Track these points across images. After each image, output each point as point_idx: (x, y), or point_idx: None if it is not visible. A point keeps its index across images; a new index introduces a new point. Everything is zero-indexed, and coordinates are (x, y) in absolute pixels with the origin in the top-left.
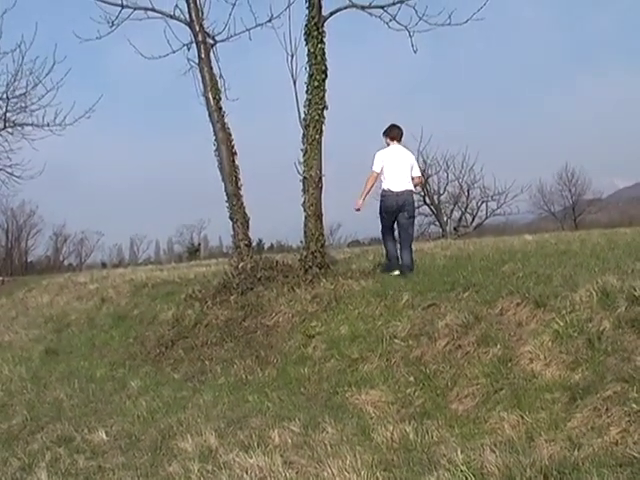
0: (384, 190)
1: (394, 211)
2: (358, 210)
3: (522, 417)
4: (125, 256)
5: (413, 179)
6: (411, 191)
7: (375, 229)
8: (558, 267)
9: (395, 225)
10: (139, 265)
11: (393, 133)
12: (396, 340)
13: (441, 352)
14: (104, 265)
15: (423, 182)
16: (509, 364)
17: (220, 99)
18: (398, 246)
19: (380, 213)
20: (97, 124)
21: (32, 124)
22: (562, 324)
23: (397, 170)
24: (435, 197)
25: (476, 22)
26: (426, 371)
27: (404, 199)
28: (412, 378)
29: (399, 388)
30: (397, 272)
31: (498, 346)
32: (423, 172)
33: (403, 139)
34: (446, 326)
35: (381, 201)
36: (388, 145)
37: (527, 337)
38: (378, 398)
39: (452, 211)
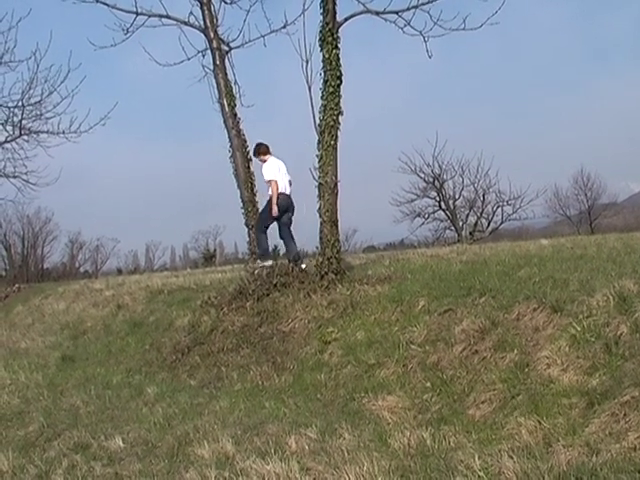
0: (279, 193)
1: (284, 211)
2: (276, 216)
3: (539, 423)
4: (141, 263)
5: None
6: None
7: (391, 234)
8: (575, 272)
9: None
10: (155, 271)
11: (263, 149)
12: (412, 346)
13: (458, 357)
14: (120, 272)
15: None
16: (526, 369)
17: (235, 105)
18: (281, 242)
19: (270, 213)
20: (112, 131)
21: (47, 132)
22: (579, 329)
23: (283, 176)
24: (450, 202)
25: (490, 26)
26: (443, 377)
27: (292, 201)
28: (429, 384)
29: (416, 394)
30: (270, 262)
31: (515, 351)
32: (438, 176)
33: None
34: (463, 331)
35: (276, 204)
36: (265, 161)
37: (544, 342)
38: (395, 404)
39: (467, 216)
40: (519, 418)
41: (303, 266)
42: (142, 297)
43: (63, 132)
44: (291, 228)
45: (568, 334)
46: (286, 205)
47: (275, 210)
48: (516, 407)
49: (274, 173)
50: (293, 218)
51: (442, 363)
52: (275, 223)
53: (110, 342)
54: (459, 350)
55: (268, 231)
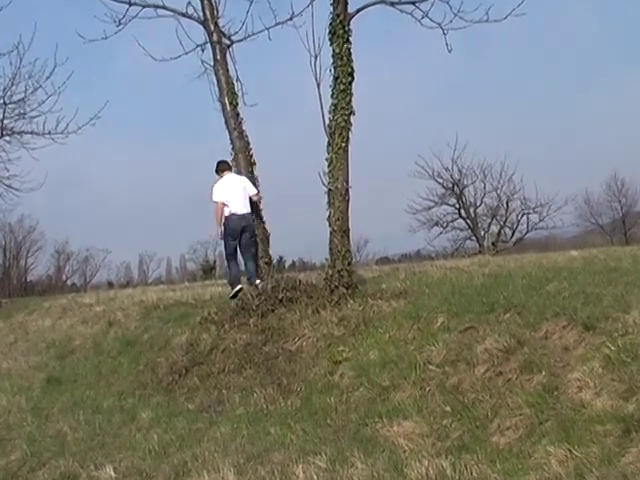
0: (230, 214)
1: (239, 232)
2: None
3: (570, 451)
4: (134, 275)
5: (251, 198)
6: (250, 213)
7: (406, 245)
8: (608, 286)
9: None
10: (149, 285)
11: (223, 167)
12: (431, 366)
13: (480, 379)
14: (111, 285)
15: (261, 197)
16: (555, 393)
17: (237, 104)
18: (242, 264)
19: (225, 236)
20: (102, 132)
21: (31, 132)
22: (614, 348)
23: (236, 195)
24: (471, 210)
25: (515, 18)
26: (464, 400)
27: (246, 221)
28: (449, 408)
29: (434, 419)
30: (239, 287)
31: (543, 373)
32: (458, 182)
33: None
34: (485, 351)
35: (226, 225)
36: (222, 178)
37: (575, 363)
38: (412, 430)
39: (490, 225)
40: (548, 446)
41: (257, 281)
42: (135, 313)
43: (49, 133)
44: (252, 249)
45: (601, 354)
46: (238, 226)
47: (219, 232)
48: (545, 434)
49: (220, 194)
50: (247, 239)
51: (463, 385)
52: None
53: (100, 362)
54: (481, 371)
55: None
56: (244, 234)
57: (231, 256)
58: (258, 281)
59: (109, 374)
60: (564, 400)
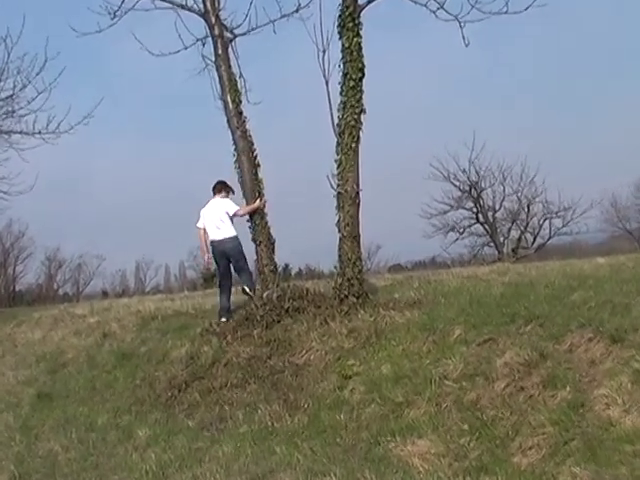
0: (210, 240)
1: (221, 258)
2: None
3: (598, 473)
4: (130, 284)
5: (240, 216)
6: (231, 237)
7: (421, 252)
8: (637, 295)
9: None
10: (146, 294)
11: (215, 188)
12: (447, 381)
13: (500, 395)
14: (106, 294)
15: (266, 200)
16: (581, 410)
17: (240, 102)
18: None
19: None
20: (97, 132)
21: (21, 132)
22: None
23: (213, 221)
24: (489, 214)
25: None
26: (483, 418)
27: (224, 246)
28: (466, 426)
29: (451, 438)
30: (224, 319)
31: (567, 388)
32: (475, 184)
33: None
34: (505, 365)
35: (211, 251)
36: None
37: (602, 378)
38: (427, 449)
39: (510, 230)
40: (573, 467)
41: (223, 319)
42: (132, 324)
43: (39, 132)
44: (244, 276)
45: (631, 369)
46: (217, 252)
47: (205, 259)
48: (570, 454)
49: (201, 220)
50: (235, 263)
51: (482, 402)
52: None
53: (94, 377)
54: (501, 387)
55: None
56: (231, 259)
57: (221, 287)
58: (247, 289)
59: (103, 389)
60: (590, 418)
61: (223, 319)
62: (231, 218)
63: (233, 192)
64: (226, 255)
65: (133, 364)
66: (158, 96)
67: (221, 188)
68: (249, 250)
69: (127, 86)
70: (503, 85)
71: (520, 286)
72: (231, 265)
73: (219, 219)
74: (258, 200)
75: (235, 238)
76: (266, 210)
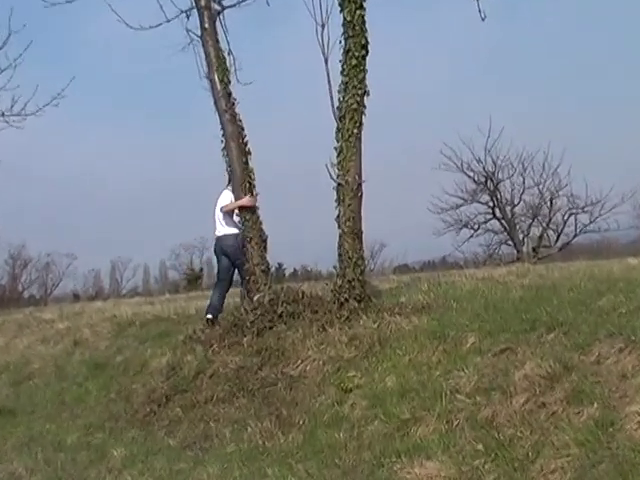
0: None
1: (220, 254)
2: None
3: None
4: (104, 285)
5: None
6: (230, 235)
7: (430, 250)
8: None
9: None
10: (123, 297)
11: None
12: (459, 396)
13: (519, 412)
14: (77, 297)
15: (231, 207)
16: (610, 429)
17: (229, 82)
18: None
19: None
20: (69, 115)
21: None
22: None
23: (215, 215)
24: (507, 209)
25: None
26: (499, 437)
27: (222, 243)
28: (481, 446)
29: (464, 459)
30: (210, 316)
31: (595, 405)
32: (492, 175)
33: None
34: (525, 378)
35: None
36: None
37: (634, 393)
38: (436, 472)
39: (530, 227)
40: None
41: (208, 316)
42: (106, 330)
43: (2, 114)
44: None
45: None
46: (217, 249)
47: None
48: (598, 479)
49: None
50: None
51: (498, 419)
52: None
53: (64, 389)
54: (520, 402)
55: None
56: (230, 257)
57: (216, 283)
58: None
59: (74, 404)
60: (621, 438)
61: (209, 315)
62: (229, 213)
63: None
64: (225, 253)
65: (107, 375)
66: (135, 75)
67: (230, 178)
68: None
69: (102, 64)
70: (522, 65)
71: (542, 289)
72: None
73: (218, 214)
74: (248, 196)
75: (234, 236)
76: (257, 204)
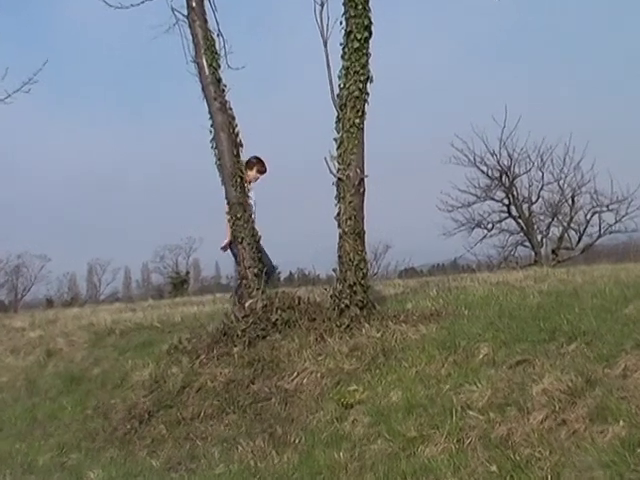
0: None
1: None
2: None
3: None
4: (81, 290)
5: None
6: None
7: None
8: None
9: None
10: (101, 303)
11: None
12: (471, 412)
13: (537, 430)
14: (50, 303)
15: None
16: (638, 449)
17: (218, 67)
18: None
19: None
20: (43, 102)
21: None
22: None
23: None
24: (524, 207)
25: None
26: (515, 458)
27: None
28: (495, 467)
29: None
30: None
31: (621, 423)
32: (508, 170)
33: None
34: (543, 392)
35: None
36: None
37: None
38: None
39: (549, 226)
40: None
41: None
42: (83, 340)
43: None
44: None
45: None
46: None
47: None
48: None
49: None
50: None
51: (514, 438)
52: None
53: (35, 405)
54: (538, 419)
55: None
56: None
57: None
58: None
59: (47, 421)
60: None
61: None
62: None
63: (261, 172)
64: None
65: (83, 390)
66: (115, 59)
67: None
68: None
69: (77, 46)
70: (541, 50)
71: (562, 295)
72: None
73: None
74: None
75: None
76: (250, 200)
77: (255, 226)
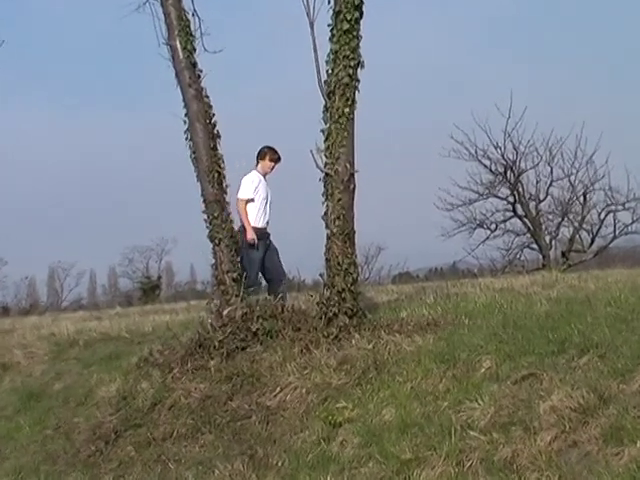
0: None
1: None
2: None
3: None
4: (41, 296)
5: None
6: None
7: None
8: None
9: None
10: (64, 311)
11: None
12: (472, 432)
13: (544, 452)
14: (6, 311)
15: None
16: None
17: (194, 50)
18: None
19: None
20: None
21: None
22: None
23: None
24: (532, 205)
25: None
26: None
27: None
28: None
29: None
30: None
31: (638, 444)
32: (513, 164)
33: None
34: (552, 410)
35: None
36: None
37: None
38: None
39: (559, 227)
40: None
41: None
42: (43, 352)
43: None
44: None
45: None
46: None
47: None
48: None
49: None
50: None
51: (519, 460)
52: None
53: None
54: (547, 440)
55: None
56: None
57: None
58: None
59: (2, 442)
60: None
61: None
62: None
63: (274, 160)
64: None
65: (43, 407)
66: (82, 41)
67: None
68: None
69: (36, 26)
70: (551, 32)
71: (573, 303)
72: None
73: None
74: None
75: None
76: (227, 199)
77: (267, 225)
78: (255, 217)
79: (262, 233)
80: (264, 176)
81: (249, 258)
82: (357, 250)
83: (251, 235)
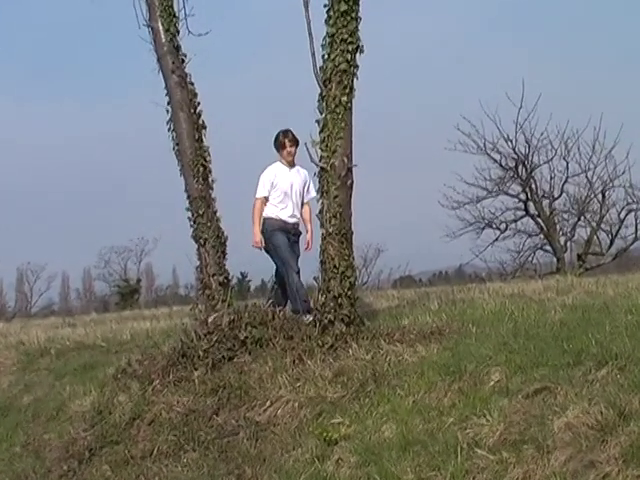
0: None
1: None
2: None
3: None
4: (9, 302)
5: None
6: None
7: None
8: None
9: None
10: (33, 317)
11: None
12: (479, 450)
13: (559, 473)
14: None
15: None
16: None
17: (177, 32)
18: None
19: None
20: None
21: None
22: None
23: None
24: (545, 203)
25: None
26: None
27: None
28: None
29: None
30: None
31: None
32: (525, 159)
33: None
34: (567, 428)
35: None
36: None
37: None
38: None
39: (575, 227)
40: None
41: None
42: (11, 362)
43: None
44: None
45: None
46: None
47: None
48: None
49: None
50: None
51: None
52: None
53: None
54: (561, 460)
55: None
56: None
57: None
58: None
59: None
60: None
61: (307, 317)
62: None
63: (292, 144)
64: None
65: (11, 422)
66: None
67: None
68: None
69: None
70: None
71: (590, 311)
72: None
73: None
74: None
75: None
76: (214, 193)
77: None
78: (274, 209)
79: (284, 225)
80: (290, 164)
81: (273, 245)
82: (355, 252)
83: (257, 237)
